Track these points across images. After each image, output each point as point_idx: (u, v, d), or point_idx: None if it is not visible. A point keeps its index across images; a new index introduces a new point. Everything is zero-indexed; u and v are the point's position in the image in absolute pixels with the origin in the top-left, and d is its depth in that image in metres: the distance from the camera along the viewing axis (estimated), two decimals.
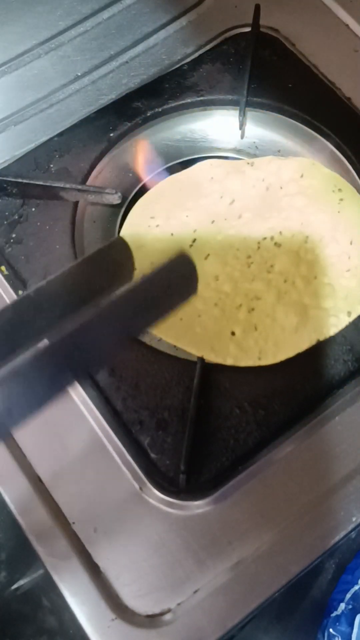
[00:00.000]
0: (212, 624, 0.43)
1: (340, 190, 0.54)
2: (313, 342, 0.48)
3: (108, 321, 0.31)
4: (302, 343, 0.48)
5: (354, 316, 0.49)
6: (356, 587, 0.67)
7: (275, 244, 0.52)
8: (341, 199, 0.54)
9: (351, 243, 0.52)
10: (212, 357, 0.48)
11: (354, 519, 0.46)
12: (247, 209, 0.54)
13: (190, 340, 0.49)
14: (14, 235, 0.54)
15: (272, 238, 0.52)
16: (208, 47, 0.62)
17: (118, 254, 0.36)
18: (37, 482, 0.47)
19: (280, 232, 0.52)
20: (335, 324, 0.49)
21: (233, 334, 0.49)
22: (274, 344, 0.48)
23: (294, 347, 0.48)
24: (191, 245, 0.52)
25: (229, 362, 0.48)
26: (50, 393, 0.31)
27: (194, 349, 0.49)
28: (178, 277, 0.37)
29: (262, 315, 0.49)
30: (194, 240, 0.53)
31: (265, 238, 0.52)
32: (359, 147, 0.56)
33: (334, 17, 0.64)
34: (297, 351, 0.48)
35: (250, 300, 0.50)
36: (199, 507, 0.46)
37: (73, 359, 0.31)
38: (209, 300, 0.50)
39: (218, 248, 0.52)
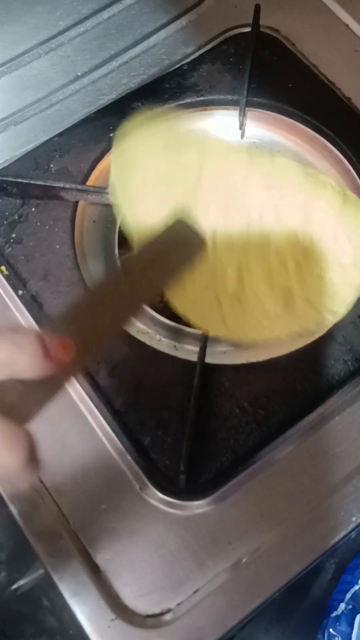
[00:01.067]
0: (212, 624, 0.43)
1: (344, 194, 0.54)
2: (293, 332, 0.48)
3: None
4: (281, 331, 0.49)
5: (338, 317, 0.49)
6: (356, 587, 0.67)
7: (276, 217, 0.52)
8: (344, 200, 0.53)
9: (349, 241, 0.52)
10: (194, 320, 0.48)
11: (354, 519, 0.46)
12: (249, 187, 0.53)
13: (178, 296, 0.49)
14: (14, 235, 0.54)
15: (275, 207, 0.52)
16: (208, 47, 0.62)
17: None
18: (37, 483, 0.47)
19: (281, 213, 0.52)
20: (319, 320, 0.49)
21: (220, 304, 0.49)
22: (254, 326, 0.49)
23: (274, 332, 0.49)
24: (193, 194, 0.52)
25: (209, 330, 0.48)
26: None
27: (179, 306, 0.49)
28: (179, 240, 0.40)
29: (250, 294, 0.49)
30: (197, 188, 0.52)
31: (266, 209, 0.52)
32: (359, 147, 0.56)
33: (334, 17, 0.64)
34: (276, 336, 0.48)
35: (242, 271, 0.50)
36: (199, 507, 0.46)
37: None
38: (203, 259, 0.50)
39: (222, 204, 0.52)
